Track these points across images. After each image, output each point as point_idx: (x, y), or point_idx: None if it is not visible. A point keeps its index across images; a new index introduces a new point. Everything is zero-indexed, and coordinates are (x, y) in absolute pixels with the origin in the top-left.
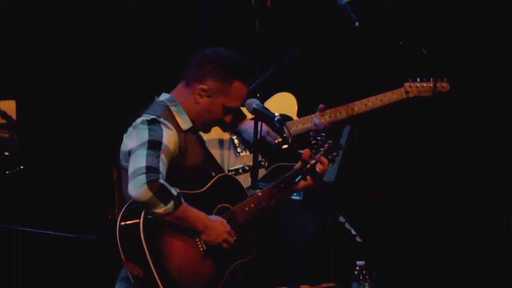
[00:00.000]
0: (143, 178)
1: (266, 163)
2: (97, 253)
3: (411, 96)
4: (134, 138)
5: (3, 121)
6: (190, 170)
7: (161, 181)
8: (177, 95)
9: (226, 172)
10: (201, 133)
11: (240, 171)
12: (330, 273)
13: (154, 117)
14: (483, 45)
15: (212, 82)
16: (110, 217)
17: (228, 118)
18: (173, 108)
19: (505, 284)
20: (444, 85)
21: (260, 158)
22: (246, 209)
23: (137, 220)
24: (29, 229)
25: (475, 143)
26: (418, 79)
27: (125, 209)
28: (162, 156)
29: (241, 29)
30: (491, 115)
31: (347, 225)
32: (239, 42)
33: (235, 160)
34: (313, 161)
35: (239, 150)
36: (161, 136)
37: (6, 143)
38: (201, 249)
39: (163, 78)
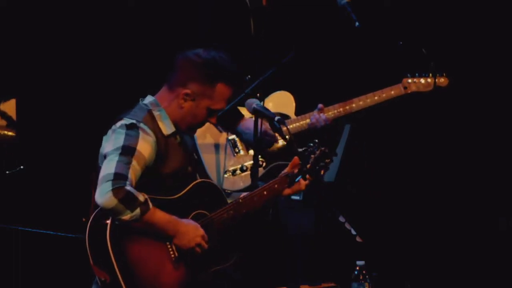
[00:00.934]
0: (108, 185)
1: (264, 163)
2: None
3: (410, 91)
4: (110, 142)
5: (3, 121)
6: (168, 175)
7: (127, 187)
8: (161, 99)
9: (223, 173)
10: (197, 134)
11: (238, 171)
12: (330, 273)
13: (134, 121)
14: (483, 44)
15: (195, 85)
16: (83, 220)
17: (213, 120)
18: (156, 113)
19: (505, 284)
20: (443, 80)
21: (259, 158)
22: (225, 215)
23: (105, 225)
24: (29, 229)
25: (475, 143)
26: (417, 74)
27: (96, 213)
28: (134, 162)
29: (241, 29)
30: (491, 114)
31: (347, 225)
32: (239, 42)
33: (233, 160)
34: (304, 168)
35: (236, 150)
36: (136, 143)
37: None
38: (172, 255)
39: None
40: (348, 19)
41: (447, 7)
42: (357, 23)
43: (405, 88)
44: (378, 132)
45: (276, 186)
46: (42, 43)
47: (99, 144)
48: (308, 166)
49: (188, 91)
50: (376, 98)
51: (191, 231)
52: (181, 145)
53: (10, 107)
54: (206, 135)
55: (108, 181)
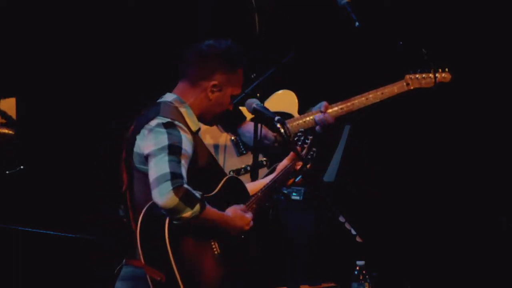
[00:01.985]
0: (168, 185)
1: (268, 163)
2: (97, 253)
3: (412, 88)
4: (151, 142)
5: (3, 120)
6: (201, 172)
7: (186, 186)
8: (183, 95)
9: (228, 172)
10: (202, 135)
11: (242, 171)
12: (330, 273)
13: (170, 120)
14: (483, 43)
15: (220, 76)
16: (125, 220)
17: (231, 107)
18: (182, 109)
19: (505, 284)
20: (445, 75)
21: (262, 158)
22: (250, 209)
23: (162, 225)
24: (29, 229)
25: (475, 143)
26: (419, 71)
27: (145, 212)
28: (183, 161)
29: (241, 29)
30: (492, 113)
31: (347, 225)
32: (239, 42)
33: (236, 160)
34: (309, 160)
35: (240, 150)
36: (180, 141)
37: (8, 141)
38: (215, 252)
39: (163, 78)
40: (348, 19)
41: (447, 6)
42: (357, 23)
43: (407, 84)
44: (378, 132)
45: (282, 177)
46: (42, 43)
47: (99, 143)
48: (304, 154)
49: (215, 82)
50: (379, 94)
51: (238, 222)
52: (203, 141)
53: (9, 106)
54: (207, 136)
55: (166, 181)
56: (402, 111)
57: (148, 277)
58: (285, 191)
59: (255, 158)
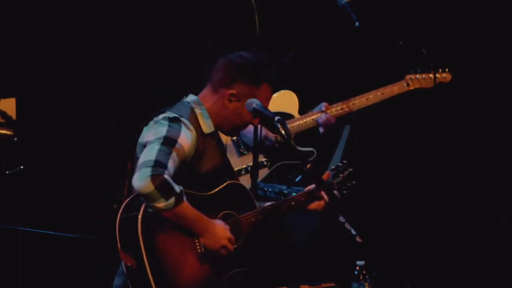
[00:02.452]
0: (148, 170)
1: (269, 163)
2: (97, 253)
3: (413, 88)
4: (152, 132)
5: (2, 120)
6: (203, 173)
7: (166, 176)
8: (204, 98)
9: None
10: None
11: (243, 172)
12: (330, 273)
13: (177, 115)
14: (483, 43)
15: (240, 86)
16: (115, 207)
17: (255, 121)
18: (197, 111)
19: (505, 284)
20: (445, 75)
21: (263, 159)
22: (253, 219)
23: (137, 212)
24: (29, 229)
25: (476, 142)
26: (419, 71)
27: (129, 200)
28: (174, 153)
29: (241, 29)
30: (492, 113)
31: (347, 225)
32: (239, 42)
33: (237, 161)
34: (333, 187)
35: (241, 151)
36: (178, 135)
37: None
38: (199, 250)
39: (163, 78)
40: (348, 19)
41: (447, 6)
42: (357, 23)
43: (407, 84)
44: (378, 132)
45: (302, 199)
46: (42, 43)
47: (99, 143)
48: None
49: (233, 91)
50: (379, 94)
51: (219, 232)
52: (218, 146)
53: (9, 106)
54: None
55: (148, 167)
56: (402, 111)
57: (122, 263)
58: (285, 191)
59: (255, 158)
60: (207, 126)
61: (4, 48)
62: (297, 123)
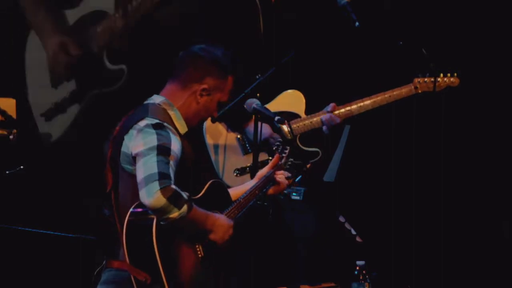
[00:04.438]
0: (156, 185)
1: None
2: (97, 253)
3: (420, 91)
4: (140, 142)
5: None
6: (186, 175)
7: (173, 186)
8: (172, 98)
9: (233, 171)
10: (208, 134)
11: (247, 170)
12: (330, 273)
13: (159, 121)
14: (484, 43)
15: (211, 80)
16: (111, 220)
17: (216, 114)
18: (170, 112)
19: (505, 284)
20: (453, 79)
21: (267, 157)
22: (232, 215)
23: (149, 225)
24: (29, 229)
25: (477, 144)
26: (427, 74)
27: (131, 213)
28: (171, 162)
29: (241, 29)
30: (493, 117)
31: (347, 225)
32: (239, 42)
33: (241, 159)
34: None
35: (245, 149)
36: (169, 142)
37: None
38: (199, 255)
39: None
40: (348, 19)
41: (447, 6)
42: (357, 23)
43: (415, 88)
44: (377, 132)
45: (262, 184)
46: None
47: (99, 143)
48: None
49: (205, 86)
50: (386, 97)
51: (225, 222)
52: (190, 144)
53: (9, 106)
54: (216, 135)
55: (154, 181)
56: (403, 111)
57: (132, 277)
58: (285, 191)
59: (255, 158)
60: (181, 127)
61: (4, 48)
62: (303, 123)
